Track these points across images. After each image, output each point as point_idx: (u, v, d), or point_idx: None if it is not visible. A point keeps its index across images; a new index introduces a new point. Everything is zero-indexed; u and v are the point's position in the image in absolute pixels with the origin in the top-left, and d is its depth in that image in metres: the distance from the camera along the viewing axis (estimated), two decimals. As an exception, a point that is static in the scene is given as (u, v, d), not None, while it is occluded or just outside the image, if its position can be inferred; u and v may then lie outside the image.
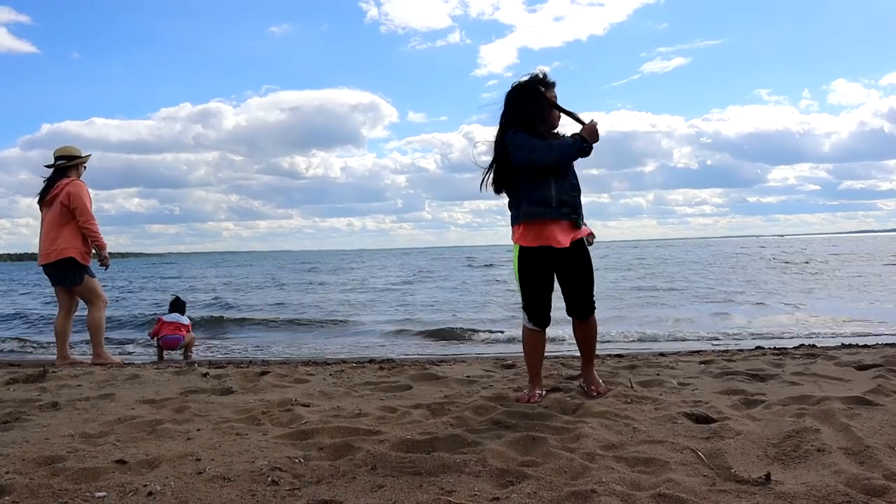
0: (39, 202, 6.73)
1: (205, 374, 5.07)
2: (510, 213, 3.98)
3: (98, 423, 3.45)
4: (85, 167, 6.93)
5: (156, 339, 8.16)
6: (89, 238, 6.61)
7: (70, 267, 6.58)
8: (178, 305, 8.37)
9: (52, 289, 6.88)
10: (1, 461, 2.73)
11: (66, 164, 6.72)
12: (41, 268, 6.72)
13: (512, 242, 3.96)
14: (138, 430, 3.30)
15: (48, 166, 6.80)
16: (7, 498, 2.28)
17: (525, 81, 3.88)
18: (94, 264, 6.83)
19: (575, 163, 3.90)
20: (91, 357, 6.77)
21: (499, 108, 3.93)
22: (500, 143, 3.89)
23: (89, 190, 6.76)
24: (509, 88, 3.92)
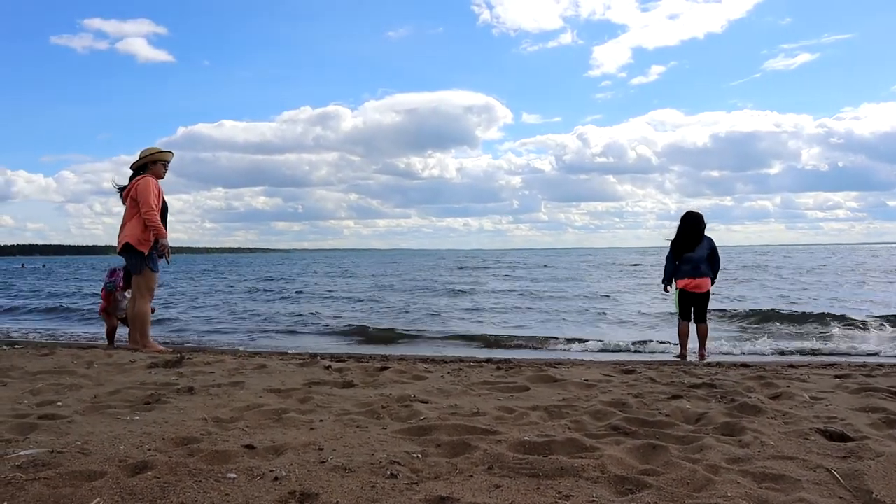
0: (121, 198, 7.21)
1: (327, 368, 5.25)
2: (701, 266, 7.71)
3: (229, 409, 3.64)
4: (166, 165, 7.32)
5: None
6: (150, 228, 6.96)
7: (132, 254, 7.03)
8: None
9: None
10: (144, 439, 2.94)
11: (145, 163, 7.20)
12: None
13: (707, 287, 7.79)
14: (265, 418, 3.46)
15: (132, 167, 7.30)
16: (149, 473, 2.44)
17: None
18: (162, 263, 7.23)
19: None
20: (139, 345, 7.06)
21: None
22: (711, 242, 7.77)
23: (160, 187, 7.15)
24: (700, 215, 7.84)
